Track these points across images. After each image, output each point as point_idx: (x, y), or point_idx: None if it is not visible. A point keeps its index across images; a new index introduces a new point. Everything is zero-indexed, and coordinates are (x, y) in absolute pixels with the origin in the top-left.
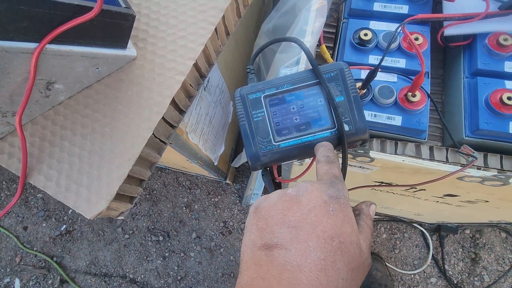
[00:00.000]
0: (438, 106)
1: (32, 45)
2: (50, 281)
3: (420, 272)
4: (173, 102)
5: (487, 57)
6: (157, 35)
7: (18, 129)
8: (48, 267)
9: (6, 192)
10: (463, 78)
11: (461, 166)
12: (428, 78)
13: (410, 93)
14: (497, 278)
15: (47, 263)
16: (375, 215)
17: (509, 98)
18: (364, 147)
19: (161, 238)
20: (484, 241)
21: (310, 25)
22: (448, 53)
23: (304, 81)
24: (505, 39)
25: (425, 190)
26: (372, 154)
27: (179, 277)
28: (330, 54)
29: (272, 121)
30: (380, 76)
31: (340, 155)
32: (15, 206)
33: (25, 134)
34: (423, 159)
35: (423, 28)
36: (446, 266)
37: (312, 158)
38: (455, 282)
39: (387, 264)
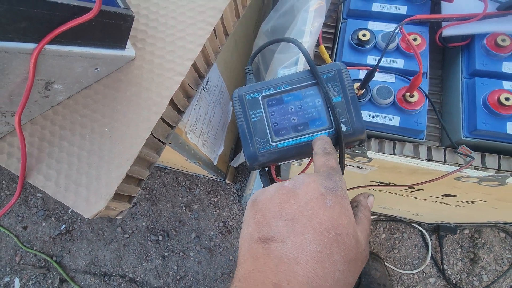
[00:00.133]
0: (436, 107)
1: (31, 46)
2: (49, 281)
3: (419, 272)
4: (172, 103)
5: (485, 58)
6: (156, 36)
7: (17, 129)
8: (47, 267)
9: (6, 191)
10: (461, 79)
11: (458, 166)
12: (426, 78)
13: (408, 94)
14: (496, 278)
15: (46, 263)
16: (374, 215)
17: (506, 99)
18: (362, 147)
19: (160, 237)
20: (483, 241)
21: (309, 25)
22: (447, 53)
23: (302, 81)
24: (503, 40)
25: (423, 190)
26: (370, 154)
27: (178, 277)
28: (329, 54)
29: (270, 121)
30: (379, 76)
31: (338, 155)
32: (15, 205)
33: (24, 134)
34: (421, 159)
35: (421, 29)
36: (445, 266)
37: (310, 158)
38: (454, 282)
39: (386, 264)
